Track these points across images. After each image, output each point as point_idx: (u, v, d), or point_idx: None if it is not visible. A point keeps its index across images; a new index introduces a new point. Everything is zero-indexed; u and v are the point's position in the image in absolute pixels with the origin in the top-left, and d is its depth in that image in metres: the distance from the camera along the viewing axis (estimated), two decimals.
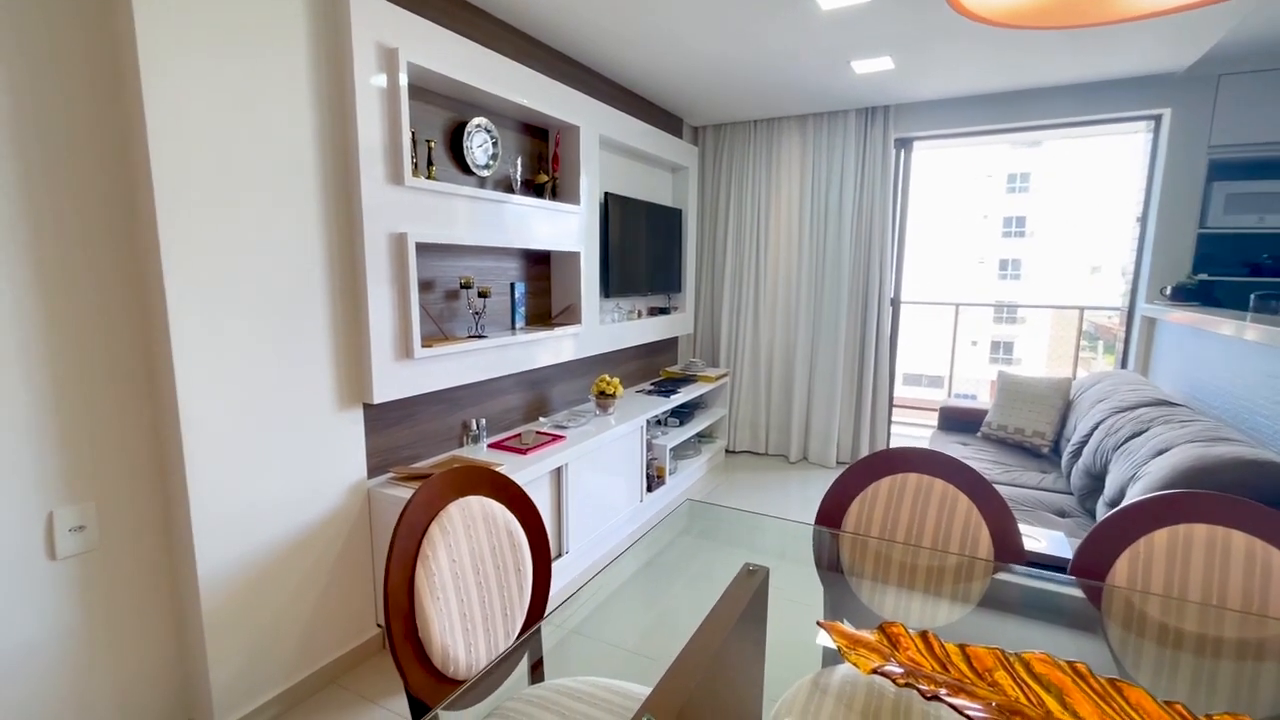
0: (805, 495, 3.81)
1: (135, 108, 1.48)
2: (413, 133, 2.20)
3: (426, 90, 2.31)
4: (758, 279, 4.44)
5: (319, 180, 1.86)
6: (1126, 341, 3.72)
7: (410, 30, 2.03)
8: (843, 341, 4.19)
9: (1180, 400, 2.55)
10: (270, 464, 1.80)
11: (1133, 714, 0.77)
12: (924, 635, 0.91)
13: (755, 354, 4.52)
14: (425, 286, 2.36)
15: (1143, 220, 3.60)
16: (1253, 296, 2.97)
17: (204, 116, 1.57)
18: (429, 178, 2.24)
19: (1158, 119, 3.45)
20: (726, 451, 4.64)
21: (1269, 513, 1.13)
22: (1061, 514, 2.42)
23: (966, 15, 0.92)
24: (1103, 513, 2.20)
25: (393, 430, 2.26)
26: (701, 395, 4.35)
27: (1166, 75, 3.30)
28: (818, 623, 0.95)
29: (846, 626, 0.96)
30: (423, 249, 2.30)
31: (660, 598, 1.53)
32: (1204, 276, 3.27)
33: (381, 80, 1.96)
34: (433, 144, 2.29)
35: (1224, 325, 2.22)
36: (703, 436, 4.48)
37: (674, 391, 3.78)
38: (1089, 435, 2.61)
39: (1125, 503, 1.25)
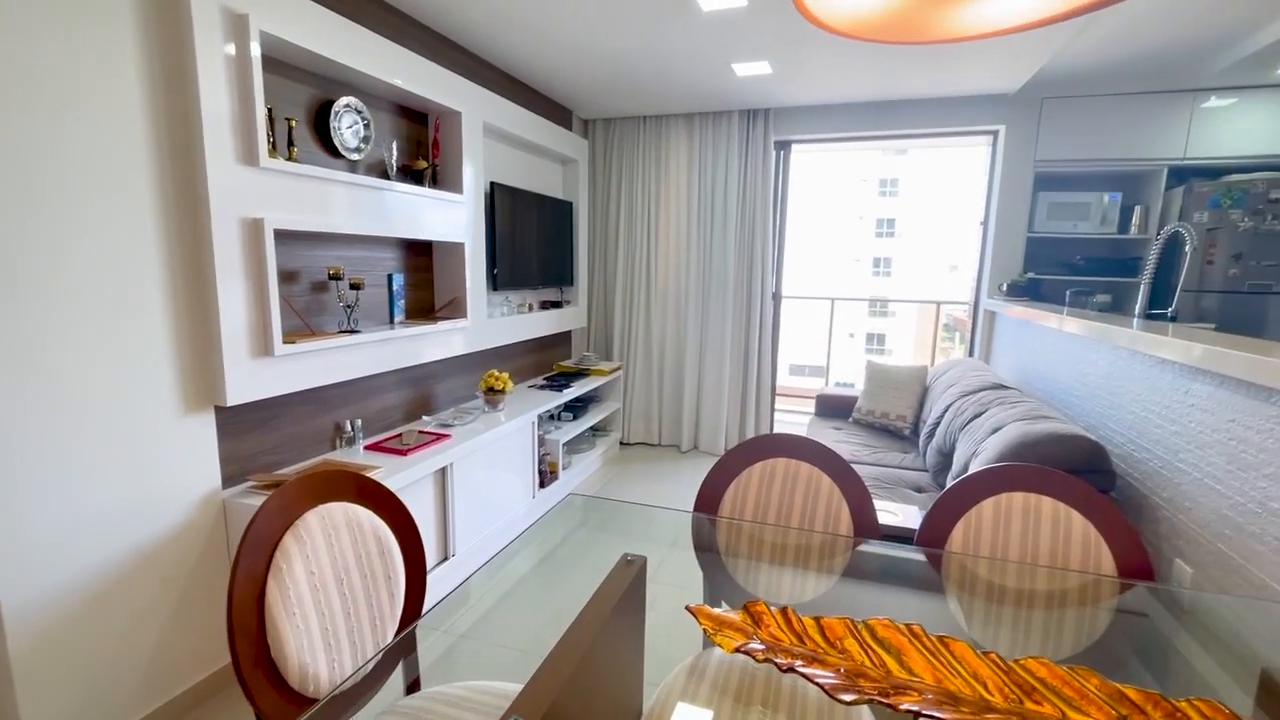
0: (696, 483, 3.92)
1: None
2: (269, 109, 2.01)
3: (286, 64, 2.12)
4: (649, 273, 4.51)
5: (153, 158, 1.65)
6: (973, 332, 4.17)
7: None
8: (729, 334, 4.36)
9: (1014, 384, 2.90)
10: (97, 479, 1.58)
11: (957, 665, 0.86)
12: (784, 611, 0.97)
13: (648, 347, 4.60)
14: (288, 278, 2.17)
15: (984, 224, 4.04)
16: (1068, 293, 3.43)
17: None
18: (290, 159, 2.06)
19: (995, 134, 3.88)
20: (621, 444, 4.69)
21: (1071, 480, 1.31)
22: (919, 489, 2.67)
23: (817, 24, 0.98)
24: None
25: (252, 434, 2.07)
26: (595, 389, 4.36)
27: (1001, 96, 3.71)
28: (686, 608, 0.98)
29: (723, 609, 1.00)
30: (284, 236, 2.11)
31: (554, 595, 1.52)
32: (1032, 275, 3.73)
33: (229, 49, 1.77)
34: (294, 123, 2.11)
35: (1050, 319, 2.55)
36: (597, 430, 4.49)
37: (567, 386, 3.76)
38: (941, 417, 2.89)
39: (961, 477, 1.40)
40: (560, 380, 3.91)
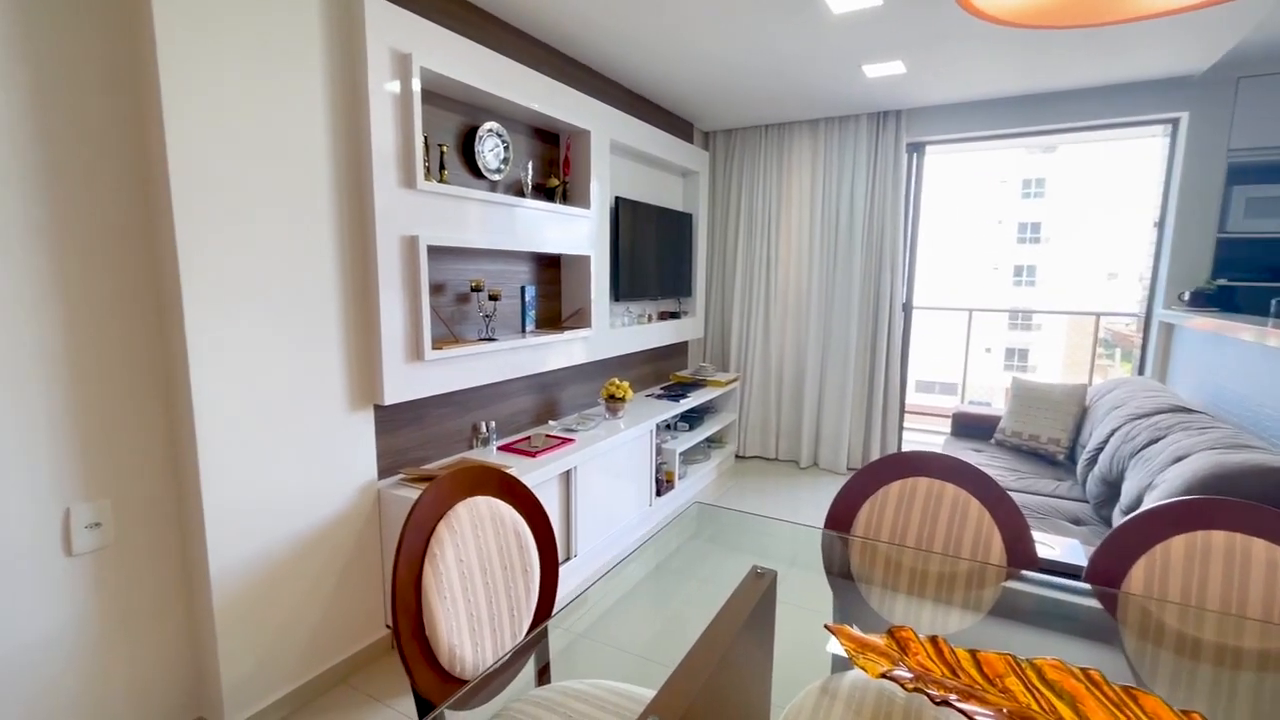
0: (815, 501, 3.78)
1: (154, 113, 1.51)
2: (425, 137, 2.22)
3: (439, 95, 2.34)
4: (768, 283, 4.43)
5: (332, 183, 1.88)
6: (1144, 348, 3.67)
7: (423, 36, 2.06)
8: (853, 347, 4.16)
9: (1199, 407, 2.51)
10: (283, 463, 1.81)
11: None
12: (934, 640, 0.90)
13: (765, 359, 4.51)
14: (436, 289, 2.37)
15: (1160, 225, 3.55)
16: (1274, 302, 2.91)
17: (222, 122, 1.59)
18: (441, 181, 2.26)
19: (1175, 122, 3.40)
20: (736, 456, 4.62)
21: None
22: (1077, 521, 2.39)
23: (978, 15, 0.92)
24: (1119, 520, 2.16)
25: (403, 431, 2.27)
26: (711, 400, 4.33)
27: (1184, 78, 3.26)
28: (826, 626, 0.94)
29: (855, 631, 0.95)
30: (434, 252, 2.31)
31: (669, 602, 1.52)
32: (1223, 281, 3.21)
33: (395, 86, 1.98)
34: (445, 148, 2.31)
35: (1245, 331, 2.18)
36: (712, 441, 4.46)
37: (684, 396, 3.77)
38: (1105, 442, 2.57)
39: (1141, 509, 1.22)
40: (677, 390, 3.94)
